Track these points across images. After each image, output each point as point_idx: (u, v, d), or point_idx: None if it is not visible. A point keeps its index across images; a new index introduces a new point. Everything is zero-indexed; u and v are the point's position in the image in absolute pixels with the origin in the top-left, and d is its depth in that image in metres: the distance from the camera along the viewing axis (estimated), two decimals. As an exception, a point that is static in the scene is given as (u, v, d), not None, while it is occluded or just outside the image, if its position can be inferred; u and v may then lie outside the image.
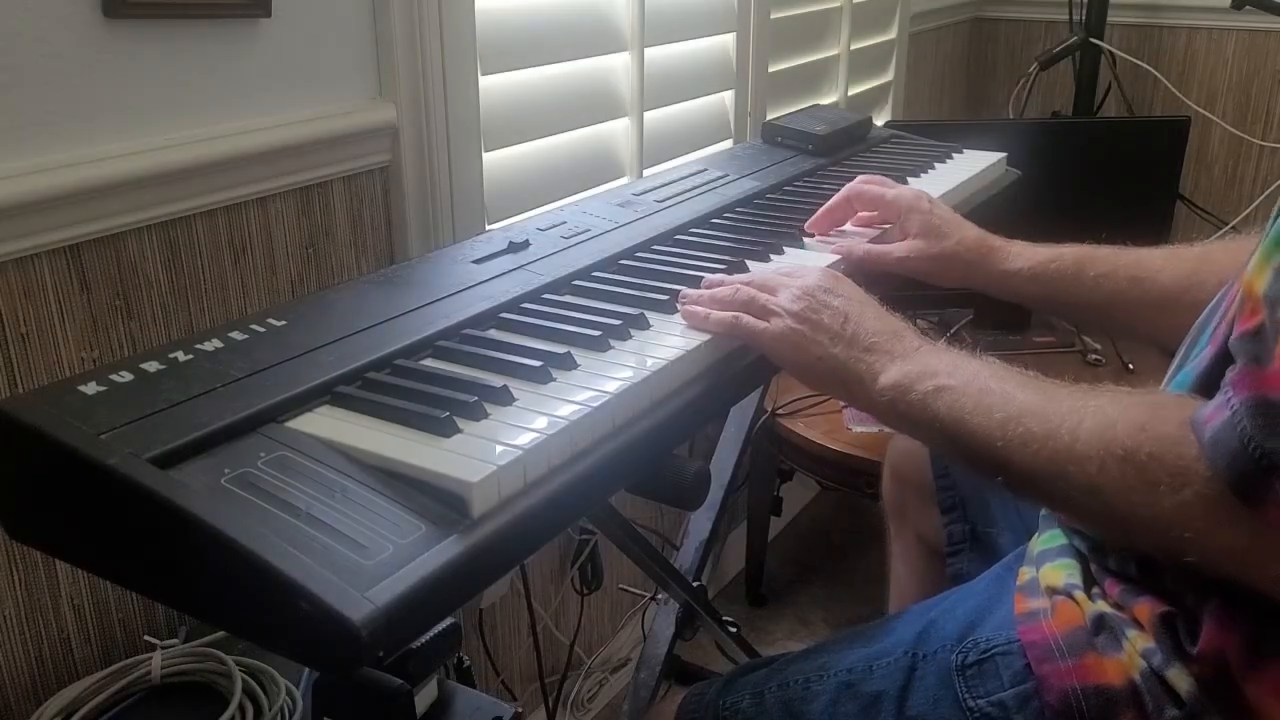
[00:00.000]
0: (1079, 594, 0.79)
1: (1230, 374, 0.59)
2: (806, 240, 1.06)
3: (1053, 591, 0.81)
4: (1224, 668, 0.68)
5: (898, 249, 1.02)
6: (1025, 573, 0.86)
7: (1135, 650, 0.73)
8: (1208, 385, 0.66)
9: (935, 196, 1.07)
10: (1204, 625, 0.69)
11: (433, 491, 0.58)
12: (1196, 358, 0.72)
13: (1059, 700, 0.74)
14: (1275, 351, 0.56)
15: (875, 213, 1.08)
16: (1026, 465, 0.67)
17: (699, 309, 0.82)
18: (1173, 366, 0.80)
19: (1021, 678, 0.77)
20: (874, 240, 1.06)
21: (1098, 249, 0.99)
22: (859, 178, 1.10)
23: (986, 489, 1.09)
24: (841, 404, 1.80)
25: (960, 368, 0.74)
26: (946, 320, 2.07)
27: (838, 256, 1.02)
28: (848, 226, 1.11)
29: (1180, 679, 0.70)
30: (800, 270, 0.86)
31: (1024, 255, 1.00)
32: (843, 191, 1.08)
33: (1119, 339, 1.97)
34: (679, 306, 0.84)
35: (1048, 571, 0.83)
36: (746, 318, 0.80)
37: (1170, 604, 0.72)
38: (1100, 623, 0.76)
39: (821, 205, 1.09)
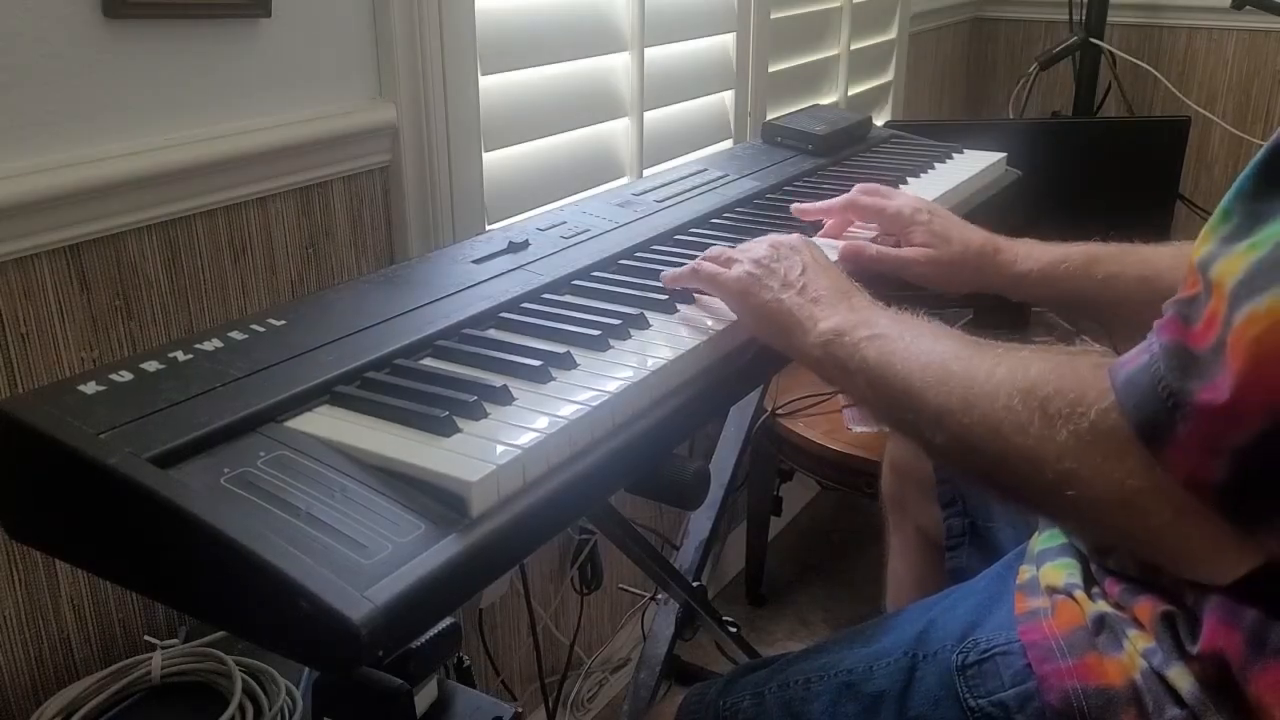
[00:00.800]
0: (1079, 593, 0.79)
1: (1156, 322, 0.60)
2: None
3: (1053, 591, 0.81)
4: (1225, 667, 0.68)
5: (907, 253, 1.02)
6: (1025, 571, 0.86)
7: (1136, 650, 0.73)
8: None
9: (933, 202, 1.07)
10: (1204, 624, 0.69)
11: (432, 491, 0.58)
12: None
13: (1060, 700, 0.74)
14: (1204, 314, 0.56)
15: (875, 227, 1.08)
16: (937, 403, 0.67)
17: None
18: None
19: (1022, 677, 0.77)
20: (879, 240, 1.06)
21: (1105, 247, 0.99)
22: (856, 188, 1.08)
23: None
24: (841, 404, 1.80)
25: (901, 322, 0.75)
26: (946, 321, 2.06)
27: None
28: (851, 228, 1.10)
29: (1181, 678, 0.70)
30: (781, 236, 0.89)
31: (1033, 256, 1.01)
32: (839, 202, 1.07)
33: (1129, 337, 1.97)
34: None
35: (1048, 571, 0.83)
36: (708, 264, 0.85)
37: (1171, 603, 0.72)
38: (1101, 622, 0.76)
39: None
